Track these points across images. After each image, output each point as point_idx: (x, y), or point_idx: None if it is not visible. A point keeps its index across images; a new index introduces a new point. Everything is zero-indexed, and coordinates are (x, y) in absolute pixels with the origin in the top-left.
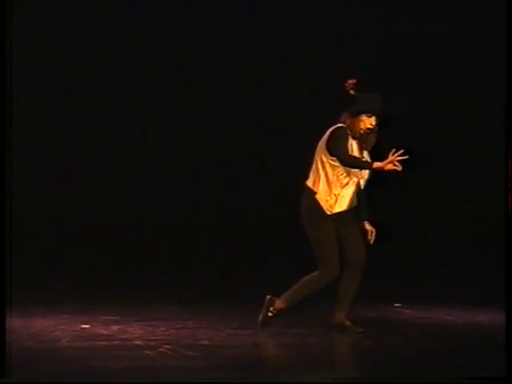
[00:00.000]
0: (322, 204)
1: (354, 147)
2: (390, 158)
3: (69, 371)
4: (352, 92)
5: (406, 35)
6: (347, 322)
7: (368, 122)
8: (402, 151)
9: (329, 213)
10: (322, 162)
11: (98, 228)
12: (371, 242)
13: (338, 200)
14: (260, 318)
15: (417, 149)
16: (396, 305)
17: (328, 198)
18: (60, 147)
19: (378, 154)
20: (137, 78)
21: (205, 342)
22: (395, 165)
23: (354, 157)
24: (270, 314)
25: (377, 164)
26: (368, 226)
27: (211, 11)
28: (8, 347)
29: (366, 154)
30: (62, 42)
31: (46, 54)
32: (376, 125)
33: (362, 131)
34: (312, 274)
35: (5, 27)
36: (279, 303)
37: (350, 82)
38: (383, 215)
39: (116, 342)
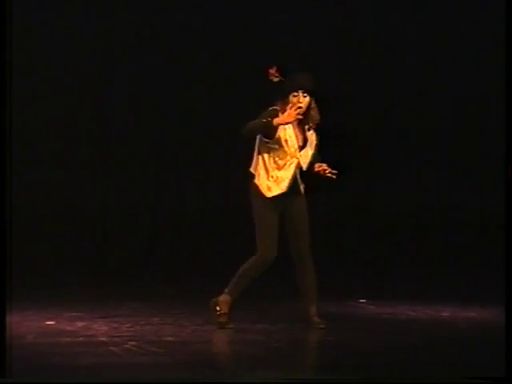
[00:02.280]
0: (262, 187)
1: (289, 130)
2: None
3: (34, 368)
4: (276, 79)
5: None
6: (315, 318)
7: (296, 100)
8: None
9: (269, 195)
10: (259, 146)
11: (62, 225)
12: (329, 173)
13: (277, 182)
14: (216, 322)
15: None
16: (361, 301)
17: (267, 182)
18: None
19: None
20: (102, 76)
21: (169, 339)
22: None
23: (250, 122)
24: (219, 314)
25: (277, 120)
26: (317, 167)
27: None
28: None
29: (311, 134)
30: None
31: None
32: (309, 101)
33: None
34: (248, 260)
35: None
36: (223, 299)
37: (271, 71)
38: (347, 209)
39: (81, 339)
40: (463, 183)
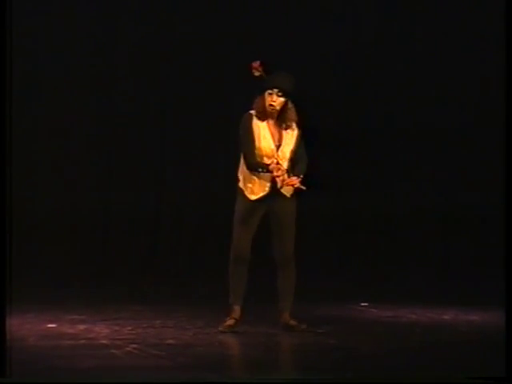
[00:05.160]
0: (245, 191)
1: (264, 130)
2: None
3: (35, 370)
4: (257, 73)
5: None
6: (292, 322)
7: (270, 98)
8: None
9: (252, 198)
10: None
11: (62, 226)
12: (296, 188)
13: (259, 184)
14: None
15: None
16: (362, 304)
17: (250, 185)
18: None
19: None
20: (101, 77)
21: (171, 341)
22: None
23: (253, 163)
24: (230, 318)
25: (272, 167)
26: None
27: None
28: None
29: (289, 134)
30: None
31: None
32: (285, 101)
33: (268, 109)
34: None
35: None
36: (233, 310)
37: (254, 64)
38: (348, 212)
39: (82, 342)
40: (464, 187)
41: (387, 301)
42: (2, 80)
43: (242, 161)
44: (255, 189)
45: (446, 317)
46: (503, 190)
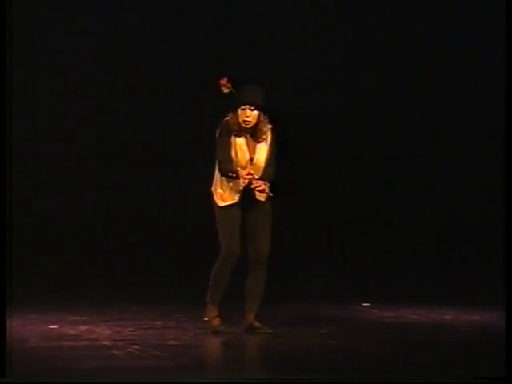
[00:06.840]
0: (215, 195)
1: (239, 143)
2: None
3: (36, 371)
4: (226, 90)
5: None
6: (256, 324)
7: (244, 114)
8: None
9: (221, 204)
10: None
11: (64, 227)
12: (263, 189)
13: (229, 192)
14: (210, 329)
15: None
16: (364, 304)
17: (220, 191)
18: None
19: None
20: (102, 78)
21: (172, 342)
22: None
23: (226, 167)
24: (207, 320)
25: (242, 180)
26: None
27: None
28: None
29: (262, 146)
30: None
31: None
32: (257, 115)
33: (243, 125)
34: (216, 262)
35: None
36: (208, 308)
37: (221, 81)
38: (349, 213)
39: (84, 343)
40: (465, 187)
41: (388, 301)
42: (2, 80)
43: (216, 164)
44: (225, 196)
45: (447, 317)
46: (503, 190)
